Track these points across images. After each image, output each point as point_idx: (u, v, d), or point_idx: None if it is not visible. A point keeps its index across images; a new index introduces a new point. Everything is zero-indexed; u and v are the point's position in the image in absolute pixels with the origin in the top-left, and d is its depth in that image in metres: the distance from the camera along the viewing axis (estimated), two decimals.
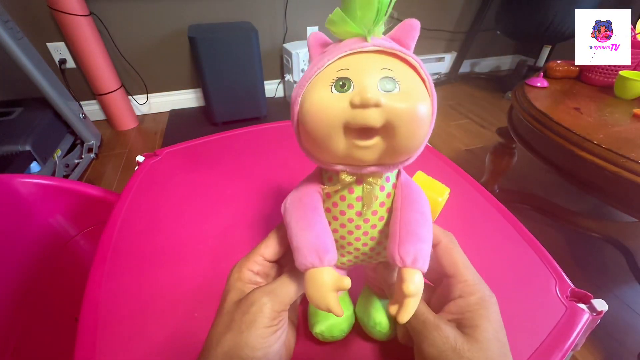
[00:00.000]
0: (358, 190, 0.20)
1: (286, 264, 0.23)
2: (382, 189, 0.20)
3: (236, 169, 0.48)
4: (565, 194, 1.18)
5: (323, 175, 0.21)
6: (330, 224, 0.21)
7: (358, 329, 0.27)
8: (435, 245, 0.23)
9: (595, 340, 0.74)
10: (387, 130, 0.16)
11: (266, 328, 0.18)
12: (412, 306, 0.18)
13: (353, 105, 0.15)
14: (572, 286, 0.32)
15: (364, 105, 0.15)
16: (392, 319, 0.25)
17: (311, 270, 0.19)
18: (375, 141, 0.17)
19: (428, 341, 0.19)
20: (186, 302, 0.30)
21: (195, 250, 0.35)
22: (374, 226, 0.21)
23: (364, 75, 0.16)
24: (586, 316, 0.29)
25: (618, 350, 0.72)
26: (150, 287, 0.31)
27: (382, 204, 0.21)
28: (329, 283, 0.18)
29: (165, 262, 0.34)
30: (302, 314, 0.28)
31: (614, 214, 1.10)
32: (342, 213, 0.21)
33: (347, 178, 0.19)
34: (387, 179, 0.20)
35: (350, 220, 0.21)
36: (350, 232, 0.21)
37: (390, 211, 0.21)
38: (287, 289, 0.20)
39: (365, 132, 0.16)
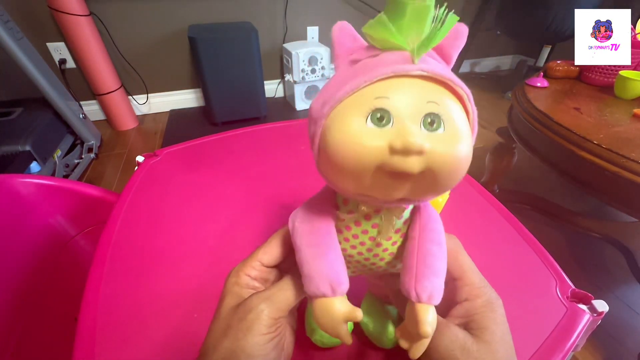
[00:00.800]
0: (375, 218, 0.19)
1: (285, 269, 0.23)
2: (400, 216, 0.19)
3: (236, 169, 0.48)
4: (565, 194, 1.18)
5: (337, 196, 0.20)
6: (340, 243, 0.20)
7: (358, 333, 0.27)
8: None
9: (595, 340, 0.74)
10: (424, 175, 0.14)
11: (263, 335, 0.18)
12: (426, 345, 0.18)
13: (392, 151, 0.13)
14: (573, 287, 0.32)
15: (405, 152, 0.13)
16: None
17: (322, 299, 0.18)
18: (409, 184, 0.15)
19: (436, 340, 0.19)
20: (186, 303, 0.30)
21: (195, 251, 0.35)
22: (385, 250, 0.20)
23: (407, 110, 0.13)
24: (587, 317, 0.29)
25: (618, 350, 0.72)
26: (149, 288, 0.31)
27: (397, 231, 0.20)
28: (340, 314, 0.18)
29: (165, 263, 0.34)
30: (300, 318, 0.28)
31: (614, 214, 1.10)
32: (355, 237, 0.20)
33: (366, 209, 0.18)
34: (407, 206, 0.19)
35: (362, 243, 0.20)
36: (360, 253, 0.20)
37: (405, 237, 0.20)
38: (285, 295, 0.19)
39: (400, 175, 0.14)
